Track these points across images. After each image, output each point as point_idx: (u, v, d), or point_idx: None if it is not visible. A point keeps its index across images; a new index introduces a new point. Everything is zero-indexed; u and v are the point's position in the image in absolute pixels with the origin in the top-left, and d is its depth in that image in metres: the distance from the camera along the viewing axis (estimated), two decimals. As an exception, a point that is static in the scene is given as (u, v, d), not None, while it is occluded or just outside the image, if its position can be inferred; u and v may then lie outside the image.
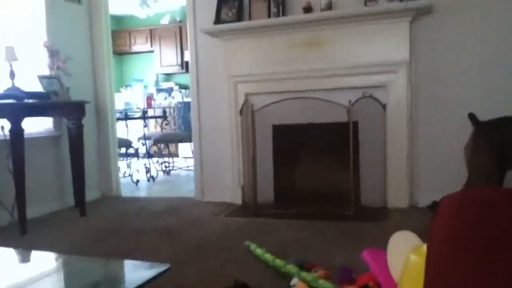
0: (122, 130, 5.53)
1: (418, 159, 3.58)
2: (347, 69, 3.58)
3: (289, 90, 3.73)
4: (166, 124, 6.65)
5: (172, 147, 7.28)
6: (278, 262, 2.18)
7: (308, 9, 3.65)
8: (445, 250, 1.13)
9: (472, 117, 2.93)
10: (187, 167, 6.51)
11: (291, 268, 2.04)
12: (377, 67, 3.50)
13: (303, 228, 3.07)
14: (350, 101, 3.40)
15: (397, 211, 3.43)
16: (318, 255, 2.46)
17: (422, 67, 3.51)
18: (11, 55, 3.43)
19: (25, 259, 1.76)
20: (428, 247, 1.25)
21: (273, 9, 3.75)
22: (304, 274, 1.95)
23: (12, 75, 3.44)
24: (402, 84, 3.48)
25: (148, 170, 5.70)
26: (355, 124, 3.52)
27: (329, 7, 3.59)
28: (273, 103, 3.68)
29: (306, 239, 2.82)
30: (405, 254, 1.64)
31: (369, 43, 3.50)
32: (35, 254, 1.76)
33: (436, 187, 3.47)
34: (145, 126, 6.39)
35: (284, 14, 3.74)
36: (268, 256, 2.29)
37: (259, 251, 2.41)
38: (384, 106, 3.52)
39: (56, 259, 1.66)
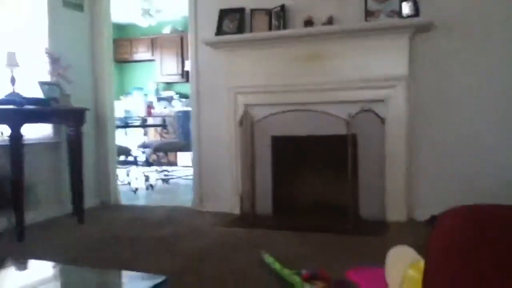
0: (121, 137, 5.53)
1: (417, 173, 3.59)
2: (346, 82, 3.60)
3: (289, 102, 3.74)
4: (166, 133, 6.66)
5: (171, 155, 7.28)
6: (286, 271, 2.25)
7: (309, 23, 3.68)
8: (442, 265, 1.13)
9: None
10: (186, 176, 6.51)
11: (296, 279, 2.11)
12: (377, 82, 3.52)
13: (301, 241, 3.07)
14: (349, 114, 3.41)
15: (395, 225, 3.43)
16: (316, 268, 2.45)
17: (421, 82, 3.53)
18: (12, 61, 3.45)
19: (21, 267, 1.74)
20: (426, 263, 1.25)
21: (274, 22, 3.78)
22: (307, 286, 2.00)
23: (13, 81, 3.45)
24: (401, 99, 3.50)
25: (147, 179, 5.70)
26: (354, 137, 3.52)
27: (330, 21, 3.62)
28: (272, 114, 3.69)
29: (305, 252, 2.81)
30: (404, 269, 1.65)
31: (369, 58, 3.53)
32: (31, 263, 1.74)
33: (434, 201, 3.48)
34: (144, 134, 6.39)
35: (285, 27, 3.76)
36: (277, 265, 2.34)
37: (270, 260, 2.46)
38: (383, 120, 3.54)
39: (52, 269, 1.65)
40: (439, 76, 3.49)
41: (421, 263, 1.56)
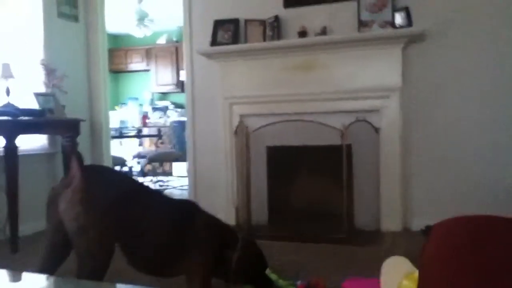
0: (116, 148, 5.52)
1: (411, 183, 3.60)
2: (341, 93, 3.62)
3: (283, 112, 3.75)
4: (161, 143, 6.66)
5: (166, 165, 7.26)
6: (282, 282, 2.24)
7: (303, 34, 3.71)
8: (436, 276, 1.14)
9: None
10: (181, 186, 6.49)
11: None
12: (371, 92, 3.55)
13: (297, 250, 3.06)
14: (344, 125, 3.43)
15: (390, 235, 3.43)
16: (311, 278, 2.45)
17: (415, 92, 3.55)
18: (7, 72, 3.45)
19: (14, 280, 1.71)
20: (419, 273, 1.26)
21: (269, 33, 3.81)
22: None
23: (7, 92, 3.45)
24: (395, 109, 3.52)
25: (141, 189, 5.67)
26: (349, 147, 3.54)
27: (323, 32, 3.65)
28: (267, 124, 3.70)
29: (300, 261, 2.81)
30: (398, 279, 1.66)
31: (363, 68, 3.55)
32: (25, 275, 1.71)
33: (429, 211, 3.49)
34: (139, 144, 6.38)
35: (279, 37, 3.79)
36: (273, 276, 2.33)
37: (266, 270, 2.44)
38: (377, 130, 3.55)
39: (46, 281, 1.61)
40: (433, 85, 3.52)
41: (416, 273, 1.57)
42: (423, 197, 3.57)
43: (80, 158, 1.91)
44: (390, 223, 3.55)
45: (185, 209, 2.12)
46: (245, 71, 3.89)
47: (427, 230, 3.50)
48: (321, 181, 3.90)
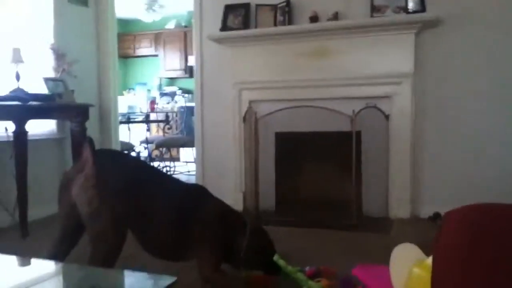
0: (124, 133, 5.52)
1: (421, 170, 3.57)
2: (351, 79, 3.58)
3: (293, 98, 3.73)
4: (169, 128, 6.65)
5: (173, 151, 7.27)
6: (290, 268, 2.21)
7: (314, 19, 3.66)
8: (451, 265, 1.13)
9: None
10: (188, 171, 6.50)
11: (300, 276, 2.07)
12: (382, 78, 3.51)
13: (305, 237, 3.06)
14: (353, 111, 3.39)
15: (399, 222, 3.42)
16: (319, 265, 2.44)
17: (427, 78, 3.51)
18: (17, 57, 3.44)
19: (23, 266, 1.71)
20: (434, 262, 1.24)
21: (280, 18, 3.76)
22: (311, 284, 1.97)
23: (17, 77, 3.44)
24: (406, 96, 3.48)
25: (149, 174, 5.67)
26: (358, 133, 3.51)
27: (335, 17, 3.60)
28: (277, 110, 3.67)
29: (308, 248, 2.80)
30: (408, 267, 1.64)
31: (375, 54, 3.51)
32: (34, 261, 1.70)
33: (438, 199, 3.48)
34: (147, 130, 6.38)
35: (290, 22, 3.74)
36: (281, 262, 2.31)
37: (274, 256, 2.42)
38: (387, 117, 3.52)
39: (55, 267, 1.60)
40: (446, 72, 3.47)
41: (427, 261, 1.55)
42: (432, 184, 3.55)
43: (92, 143, 1.91)
44: (399, 210, 3.53)
45: (196, 194, 2.12)
46: (256, 56, 3.85)
47: (436, 217, 3.48)
48: (329, 167, 3.88)
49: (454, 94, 3.46)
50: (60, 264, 1.59)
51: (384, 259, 2.11)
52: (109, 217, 1.87)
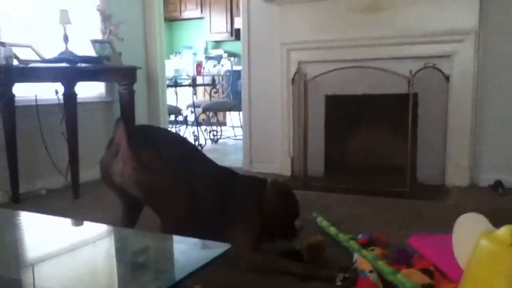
0: (171, 97, 5.53)
1: (482, 136, 3.35)
2: (408, 37, 3.38)
3: (344, 59, 3.56)
4: (215, 92, 6.60)
5: (220, 115, 7.25)
6: (342, 236, 2.15)
7: (368, -28, 3.42)
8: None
9: None
10: (235, 136, 6.47)
11: (353, 244, 2.03)
12: (442, 36, 3.28)
13: (356, 203, 2.96)
14: (411, 71, 3.19)
15: (456, 190, 3.26)
16: (372, 233, 2.34)
17: (492, 36, 3.23)
18: (65, 18, 3.43)
19: (75, 229, 1.71)
20: None
21: (331, -28, 3.55)
22: (365, 252, 1.90)
23: (66, 39, 3.45)
24: (469, 55, 3.25)
25: (196, 138, 5.70)
26: (415, 96, 3.32)
27: (392, -31, 3.35)
28: (327, 72, 3.52)
29: (361, 215, 2.71)
30: (475, 239, 1.51)
31: (434, 8, 3.27)
32: (85, 224, 1.70)
33: (499, 167, 3.28)
34: (194, 93, 6.36)
35: (342, -24, 3.53)
36: (333, 230, 2.24)
37: (325, 223, 2.36)
38: (447, 78, 3.30)
39: (107, 230, 1.60)
40: (513, 29, 3.18)
41: (496, 233, 1.43)
42: (494, 150, 3.33)
43: (123, 124, 1.87)
44: (456, 177, 3.37)
45: (229, 173, 2.09)
46: (305, 14, 3.68)
47: (497, 185, 3.26)
48: (382, 132, 3.74)
49: (524, 53, 3.17)
50: (112, 227, 1.58)
51: (441, 228, 1.99)
52: (164, 190, 1.87)
